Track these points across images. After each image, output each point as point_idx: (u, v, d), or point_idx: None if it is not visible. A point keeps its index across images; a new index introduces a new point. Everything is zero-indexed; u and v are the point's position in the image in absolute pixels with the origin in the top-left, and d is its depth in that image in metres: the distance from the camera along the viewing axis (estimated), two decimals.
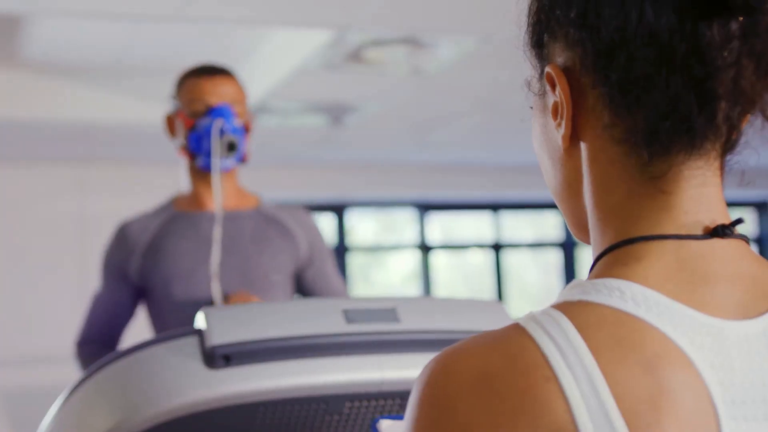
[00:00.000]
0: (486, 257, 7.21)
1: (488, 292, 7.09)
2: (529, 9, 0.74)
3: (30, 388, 5.50)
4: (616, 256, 0.66)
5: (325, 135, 5.54)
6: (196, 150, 2.03)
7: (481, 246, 7.25)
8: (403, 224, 7.28)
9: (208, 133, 1.99)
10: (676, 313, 0.61)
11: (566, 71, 0.69)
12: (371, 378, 1.08)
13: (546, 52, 0.71)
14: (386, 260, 7.49)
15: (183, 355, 1.08)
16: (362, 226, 7.28)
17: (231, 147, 1.98)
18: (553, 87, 0.69)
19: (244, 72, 4.60)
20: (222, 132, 1.98)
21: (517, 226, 7.59)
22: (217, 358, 1.06)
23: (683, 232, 0.65)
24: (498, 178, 6.83)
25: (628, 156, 0.66)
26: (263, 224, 2.12)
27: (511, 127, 5.54)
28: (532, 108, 0.75)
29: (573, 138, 0.69)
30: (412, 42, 3.84)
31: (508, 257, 7.19)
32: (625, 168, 0.66)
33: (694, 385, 0.59)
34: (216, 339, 1.07)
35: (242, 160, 2.05)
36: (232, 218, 2.09)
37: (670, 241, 0.64)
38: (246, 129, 2.07)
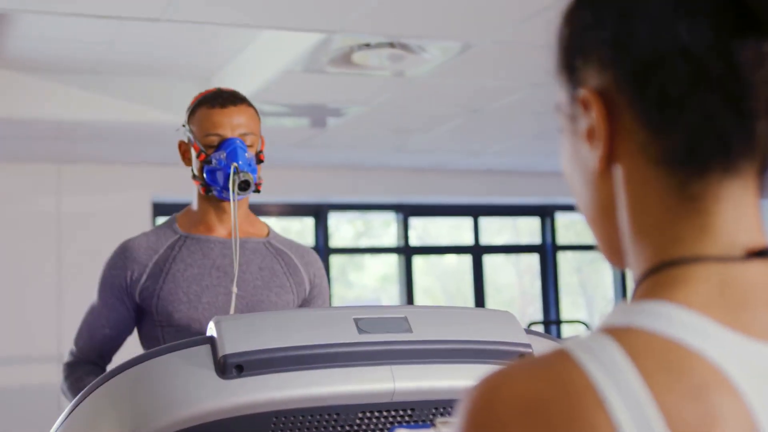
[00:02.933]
0: (464, 260, 7.23)
1: (466, 295, 7.11)
2: (559, 34, 0.73)
3: (7, 388, 5.44)
4: (658, 278, 0.65)
5: (307, 137, 5.53)
6: (211, 183, 2.04)
7: (459, 249, 7.27)
8: (383, 227, 7.29)
9: (221, 168, 2.01)
10: (721, 338, 0.61)
11: (600, 93, 0.68)
12: (383, 388, 1.08)
13: (578, 75, 0.71)
14: (364, 262, 7.49)
15: (195, 364, 1.07)
16: (342, 229, 7.28)
17: (246, 185, 1.99)
18: (587, 109, 0.69)
19: (228, 73, 4.60)
20: (236, 169, 1.99)
21: (496, 229, 7.62)
22: (230, 367, 1.06)
23: (723, 253, 0.65)
24: (478, 182, 6.86)
25: (665, 176, 0.66)
26: (270, 258, 2.12)
27: (492, 132, 5.56)
28: (562, 131, 0.75)
29: (607, 159, 0.69)
30: (398, 46, 3.84)
31: (486, 261, 7.22)
32: (662, 188, 0.66)
33: (741, 411, 0.59)
34: (228, 348, 1.07)
35: (255, 190, 2.05)
36: (240, 246, 2.08)
37: (711, 264, 0.64)
38: (259, 159, 2.07)
